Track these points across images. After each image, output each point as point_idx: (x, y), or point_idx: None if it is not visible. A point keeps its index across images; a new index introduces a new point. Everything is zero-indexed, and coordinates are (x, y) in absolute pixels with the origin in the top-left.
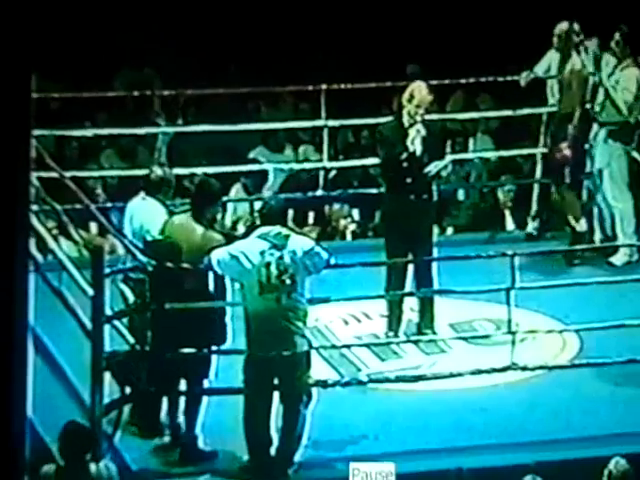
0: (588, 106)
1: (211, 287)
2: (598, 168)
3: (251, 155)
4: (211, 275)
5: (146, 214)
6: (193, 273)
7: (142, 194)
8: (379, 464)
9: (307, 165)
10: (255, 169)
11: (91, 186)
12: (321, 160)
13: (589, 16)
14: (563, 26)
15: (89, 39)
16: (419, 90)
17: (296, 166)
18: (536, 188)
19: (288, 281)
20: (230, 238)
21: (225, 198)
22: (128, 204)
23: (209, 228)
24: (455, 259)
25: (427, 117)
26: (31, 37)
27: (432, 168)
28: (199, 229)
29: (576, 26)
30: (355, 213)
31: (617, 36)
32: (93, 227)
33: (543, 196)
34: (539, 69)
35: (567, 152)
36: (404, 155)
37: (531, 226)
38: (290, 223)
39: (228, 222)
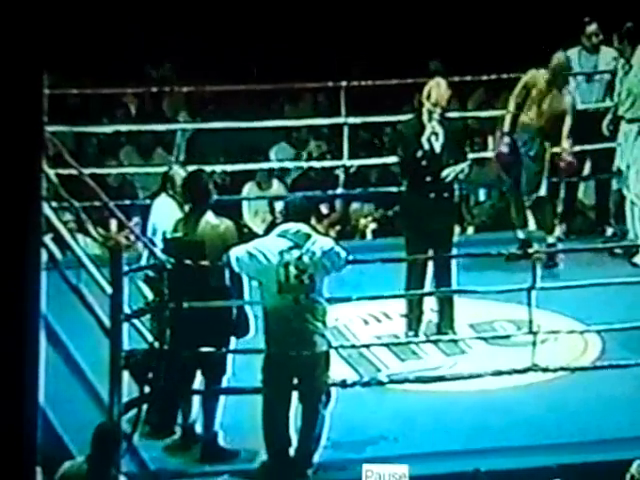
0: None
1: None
2: (627, 165)
3: (272, 152)
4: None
5: (159, 213)
6: (213, 270)
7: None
8: (392, 466)
9: (326, 163)
10: (275, 167)
11: (110, 183)
12: (325, 154)
13: (614, 15)
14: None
15: (109, 36)
16: (437, 87)
17: (316, 164)
18: (562, 188)
19: (307, 281)
20: (240, 225)
21: (243, 195)
22: (154, 201)
23: (218, 216)
24: (475, 256)
25: (448, 115)
26: (47, 33)
27: (449, 173)
28: (211, 220)
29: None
30: (375, 211)
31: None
32: (113, 224)
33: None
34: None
35: (572, 160)
36: (421, 154)
37: (559, 230)
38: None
39: (246, 219)
